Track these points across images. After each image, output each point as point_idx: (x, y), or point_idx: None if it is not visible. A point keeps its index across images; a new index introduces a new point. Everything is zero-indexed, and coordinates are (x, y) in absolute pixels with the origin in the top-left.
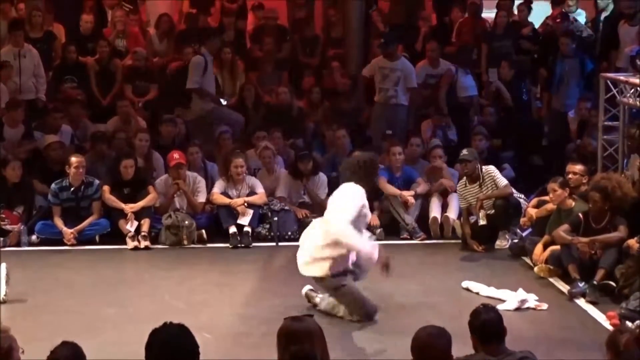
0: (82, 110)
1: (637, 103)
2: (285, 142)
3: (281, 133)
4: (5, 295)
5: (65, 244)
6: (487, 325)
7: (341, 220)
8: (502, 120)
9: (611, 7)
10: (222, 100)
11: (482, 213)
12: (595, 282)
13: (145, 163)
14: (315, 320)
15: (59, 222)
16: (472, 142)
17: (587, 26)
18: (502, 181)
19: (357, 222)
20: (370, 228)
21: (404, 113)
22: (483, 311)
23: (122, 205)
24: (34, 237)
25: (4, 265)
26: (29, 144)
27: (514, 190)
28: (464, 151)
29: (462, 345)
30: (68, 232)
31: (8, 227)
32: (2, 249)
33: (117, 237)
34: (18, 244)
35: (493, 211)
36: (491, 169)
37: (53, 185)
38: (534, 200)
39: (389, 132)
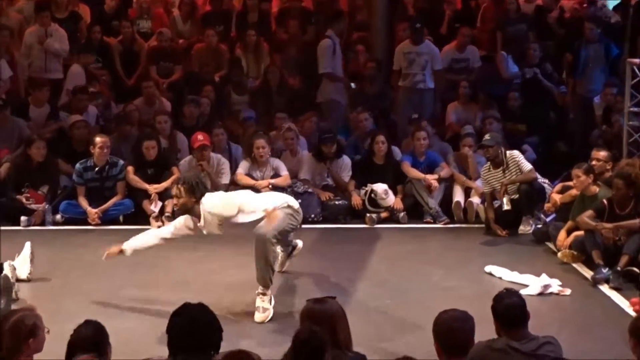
0: (106, 90)
1: None
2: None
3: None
4: (29, 273)
5: (89, 224)
6: (510, 309)
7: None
8: (526, 106)
9: None
10: (352, 84)
11: (506, 198)
12: (619, 268)
13: (169, 144)
14: (338, 302)
15: (83, 201)
16: (483, 126)
17: (616, 12)
18: (527, 166)
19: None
20: (393, 211)
21: (431, 97)
22: (506, 296)
23: (146, 186)
24: (58, 217)
25: (28, 244)
26: (54, 124)
27: (538, 175)
28: (487, 136)
29: (484, 329)
30: (92, 212)
31: (33, 206)
32: (26, 228)
33: (141, 217)
34: (42, 223)
35: (517, 196)
36: (515, 153)
37: (78, 165)
38: (558, 186)
39: (415, 116)
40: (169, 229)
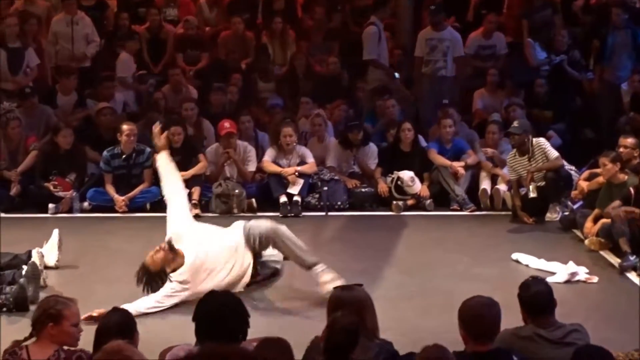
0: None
1: None
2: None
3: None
4: (57, 261)
5: (116, 212)
6: (537, 297)
7: None
8: (553, 92)
9: None
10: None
11: (532, 185)
12: None
13: (195, 131)
14: (365, 290)
15: (110, 189)
16: (506, 113)
17: None
18: (553, 153)
19: None
20: (420, 199)
21: (452, 84)
22: (533, 283)
23: None
24: (85, 204)
25: (56, 231)
26: (81, 112)
27: (565, 163)
28: (515, 123)
29: (511, 317)
30: (119, 200)
31: (60, 193)
32: (54, 216)
33: None
34: (70, 211)
35: (544, 183)
36: (541, 141)
37: (105, 153)
38: (586, 173)
39: (445, 102)
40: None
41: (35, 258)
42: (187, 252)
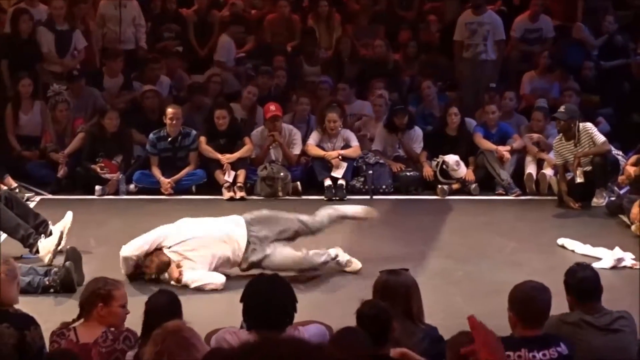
0: (179, 61)
1: None
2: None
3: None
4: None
5: (162, 194)
6: (583, 283)
7: None
8: (601, 76)
9: None
10: None
11: (579, 170)
12: None
13: (248, 115)
14: (411, 275)
15: (156, 171)
16: (562, 99)
17: None
18: (600, 138)
19: None
20: (465, 183)
21: (493, 67)
22: (579, 269)
23: (219, 156)
24: (132, 186)
25: (69, 213)
26: (127, 94)
27: (612, 147)
28: (561, 108)
29: (556, 302)
30: (165, 182)
31: (107, 176)
32: (100, 197)
33: (213, 187)
34: (116, 193)
35: (590, 168)
36: (588, 126)
37: (151, 135)
38: (633, 158)
39: (493, 85)
40: None
41: (55, 238)
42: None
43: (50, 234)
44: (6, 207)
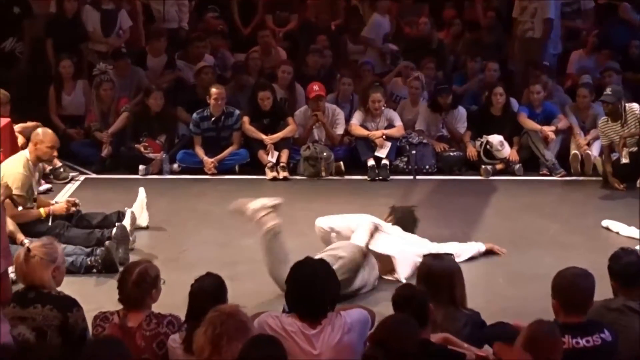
0: (222, 40)
1: None
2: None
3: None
4: (148, 220)
5: (205, 173)
6: (628, 268)
7: None
8: None
9: None
10: None
11: (624, 151)
12: None
13: (288, 95)
14: (455, 260)
15: (199, 151)
16: (602, 79)
17: None
18: None
19: None
20: (509, 163)
21: (540, 46)
22: (623, 254)
23: (262, 136)
24: (175, 166)
25: (142, 189)
26: (171, 74)
27: None
28: (608, 90)
29: (601, 286)
30: (209, 162)
31: (151, 155)
32: (144, 177)
33: (256, 167)
34: (160, 172)
35: (636, 149)
36: (635, 107)
37: (194, 115)
38: None
39: (546, 63)
40: None
41: (127, 219)
42: None
43: (121, 218)
44: (82, 225)
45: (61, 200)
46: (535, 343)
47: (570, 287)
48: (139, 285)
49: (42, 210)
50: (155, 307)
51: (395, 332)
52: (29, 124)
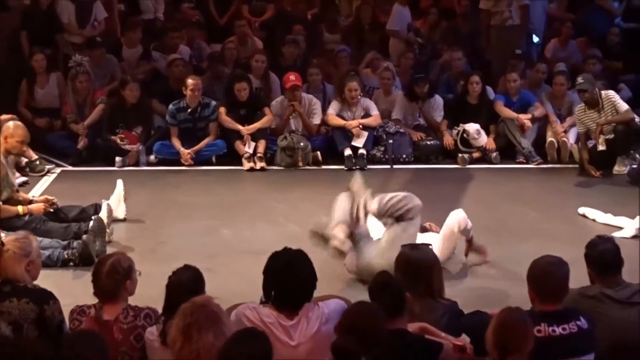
0: (198, 31)
1: None
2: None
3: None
4: (125, 213)
5: (182, 165)
6: (604, 256)
7: None
8: (624, 43)
9: None
10: None
11: (601, 138)
12: None
13: (262, 84)
14: (433, 251)
15: (176, 142)
16: (585, 67)
17: None
18: (623, 106)
19: None
20: (486, 152)
21: (519, 34)
22: (600, 242)
23: (239, 127)
24: (152, 157)
25: (120, 182)
26: (146, 65)
27: (635, 116)
28: (579, 79)
29: (577, 273)
30: (185, 153)
31: (127, 147)
32: (121, 169)
33: (233, 158)
34: (136, 164)
35: (612, 136)
36: (611, 94)
37: (171, 106)
38: None
39: (518, 52)
40: None
41: (104, 211)
42: None
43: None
44: (59, 218)
45: (37, 194)
46: (505, 331)
47: (545, 276)
48: (112, 277)
49: (20, 208)
50: (133, 300)
51: (359, 319)
52: (4, 116)
